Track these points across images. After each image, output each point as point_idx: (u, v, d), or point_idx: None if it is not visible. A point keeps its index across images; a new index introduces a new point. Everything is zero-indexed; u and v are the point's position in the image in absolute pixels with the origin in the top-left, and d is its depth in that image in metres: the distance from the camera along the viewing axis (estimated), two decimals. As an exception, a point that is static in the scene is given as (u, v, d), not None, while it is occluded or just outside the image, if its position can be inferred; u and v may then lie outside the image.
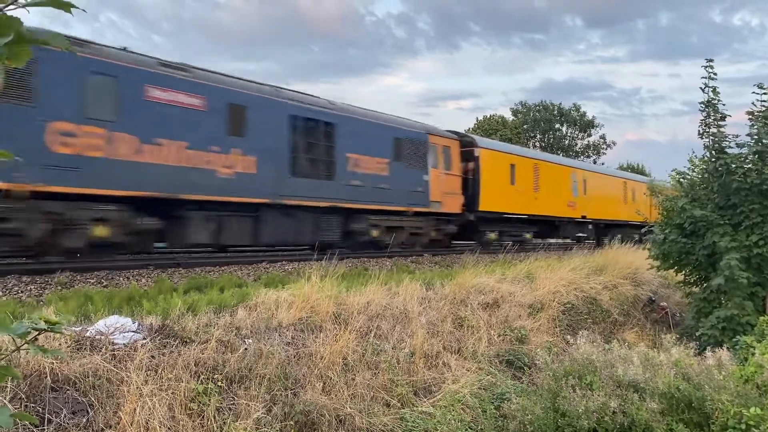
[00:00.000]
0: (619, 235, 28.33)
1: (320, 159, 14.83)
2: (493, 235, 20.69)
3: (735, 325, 10.36)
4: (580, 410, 6.30)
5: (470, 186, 20.06)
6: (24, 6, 1.09)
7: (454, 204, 19.03)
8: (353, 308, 7.53)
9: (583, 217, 26.48)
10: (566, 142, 62.98)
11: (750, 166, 11.24)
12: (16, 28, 1.08)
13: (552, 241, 27.18)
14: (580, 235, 26.96)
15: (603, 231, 28.56)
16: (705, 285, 11.64)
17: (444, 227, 18.87)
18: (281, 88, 14.66)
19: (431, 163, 18.21)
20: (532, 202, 22.83)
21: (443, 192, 18.50)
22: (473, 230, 20.61)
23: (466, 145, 20.44)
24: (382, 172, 16.44)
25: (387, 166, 16.65)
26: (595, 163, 57.98)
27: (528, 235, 23.03)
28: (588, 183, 27.40)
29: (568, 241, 26.91)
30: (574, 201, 25.89)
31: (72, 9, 1.15)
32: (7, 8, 1.08)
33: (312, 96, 15.57)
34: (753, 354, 7.70)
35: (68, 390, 4.51)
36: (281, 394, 5.59)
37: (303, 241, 14.69)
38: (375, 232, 16.10)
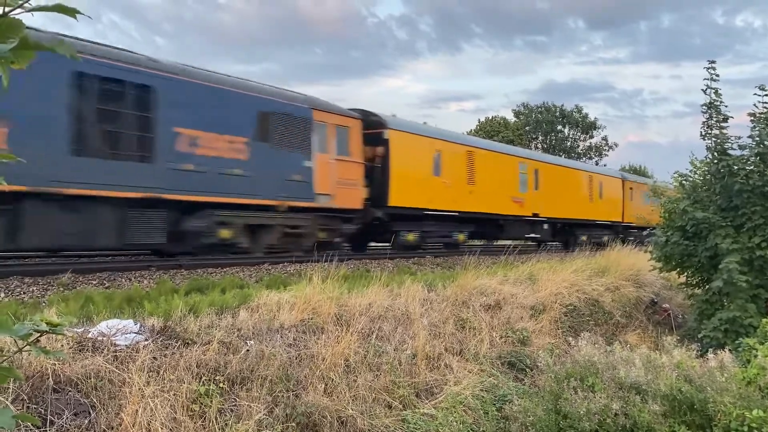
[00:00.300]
0: (583, 237, 25.75)
1: (129, 134, 11.02)
2: (411, 236, 17.30)
3: (737, 327, 10.34)
4: (582, 412, 6.30)
5: (378, 176, 16.41)
6: (29, 11, 1.10)
7: (352, 198, 15.33)
8: (355, 310, 7.53)
9: (535, 215, 22.91)
10: (568, 143, 62.98)
11: (752, 168, 11.23)
12: (20, 33, 1.09)
13: (496, 243, 24.15)
14: (532, 236, 23.43)
15: (564, 231, 25.72)
16: (707, 287, 11.63)
17: (338, 226, 15.14)
18: (63, 35, 9.92)
19: (318, 146, 14.41)
20: (465, 197, 19.31)
21: (336, 182, 14.84)
22: (383, 230, 17.17)
23: (373, 126, 16.58)
24: (236, 155, 12.61)
25: (245, 147, 12.76)
26: (597, 164, 57.90)
27: (460, 236, 19.52)
28: (542, 176, 23.77)
29: (530, 243, 23.94)
30: (521, 196, 22.32)
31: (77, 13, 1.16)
32: (12, 12, 1.08)
33: (120, 50, 11.63)
34: (755, 356, 7.68)
35: (70, 391, 4.52)
36: (283, 396, 5.59)
37: (100, 245, 11.22)
38: (225, 232, 12.49)
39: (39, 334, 1.37)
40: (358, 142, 15.80)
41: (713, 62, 11.84)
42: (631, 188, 31.61)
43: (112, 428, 4.47)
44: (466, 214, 19.28)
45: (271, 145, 13.26)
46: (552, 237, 24.85)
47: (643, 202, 31.68)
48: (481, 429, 6.72)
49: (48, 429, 4.21)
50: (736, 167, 11.22)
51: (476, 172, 20.00)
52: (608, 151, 64.55)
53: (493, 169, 20.90)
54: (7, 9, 1.07)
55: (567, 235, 25.60)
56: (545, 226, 23.86)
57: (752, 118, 11.69)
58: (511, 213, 21.65)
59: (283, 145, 13.61)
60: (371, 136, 16.34)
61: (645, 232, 14.33)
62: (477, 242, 22.81)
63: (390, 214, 16.65)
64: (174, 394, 4.85)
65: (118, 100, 10.86)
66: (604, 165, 58.20)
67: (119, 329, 5.39)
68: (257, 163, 12.86)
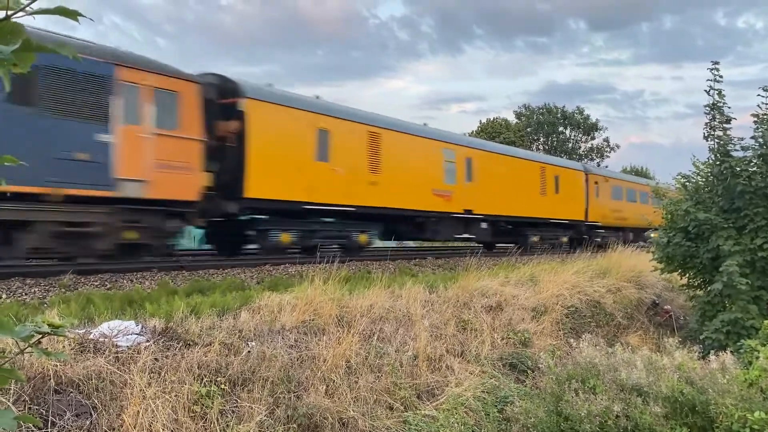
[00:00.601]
0: (535, 238, 22.77)
1: None
2: (286, 237, 13.90)
3: (739, 329, 10.33)
4: (583, 414, 6.29)
5: (230, 159, 12.81)
6: (31, 14, 1.11)
7: (181, 186, 11.55)
8: (356, 311, 7.54)
9: (468, 212, 19.37)
10: (570, 145, 62.96)
11: (755, 169, 11.21)
12: (22, 36, 1.09)
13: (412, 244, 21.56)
14: (466, 236, 19.96)
15: (510, 231, 22.53)
16: (709, 288, 11.61)
17: (159, 224, 11.43)
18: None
19: (124, 114, 10.79)
20: (366, 189, 15.72)
21: (155, 165, 11.19)
22: (242, 228, 13.77)
23: (227, 95, 13.09)
24: None
25: None
26: (598, 165, 57.79)
27: (362, 237, 15.96)
28: (477, 165, 20.03)
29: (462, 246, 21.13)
30: (448, 189, 18.60)
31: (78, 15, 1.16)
32: (14, 16, 1.09)
33: None
34: (757, 358, 7.67)
35: (72, 392, 4.52)
36: (284, 397, 5.59)
37: None
38: None
39: (41, 336, 1.38)
40: (194, 113, 11.91)
41: (717, 63, 11.83)
42: (596, 182, 27.88)
43: (114, 429, 4.47)
44: (368, 209, 15.71)
45: (38, 110, 9.68)
46: (493, 238, 21.81)
47: (613, 197, 29.12)
48: (483, 430, 6.72)
49: (49, 430, 4.22)
50: (738, 169, 11.21)
51: (383, 159, 16.32)
52: (610, 152, 64.55)
53: (406, 155, 17.16)
54: (9, 12, 1.08)
55: (514, 235, 22.54)
56: (483, 225, 20.31)
57: (756, 119, 11.66)
58: (433, 209, 18.02)
59: (61, 112, 10.00)
60: (225, 108, 12.93)
61: (646, 233, 14.04)
62: (391, 244, 20.07)
63: (250, 209, 13.29)
64: (175, 396, 4.85)
65: None
66: (606, 166, 58.09)
67: (121, 330, 5.39)
68: (12, 134, 9.36)
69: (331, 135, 14.97)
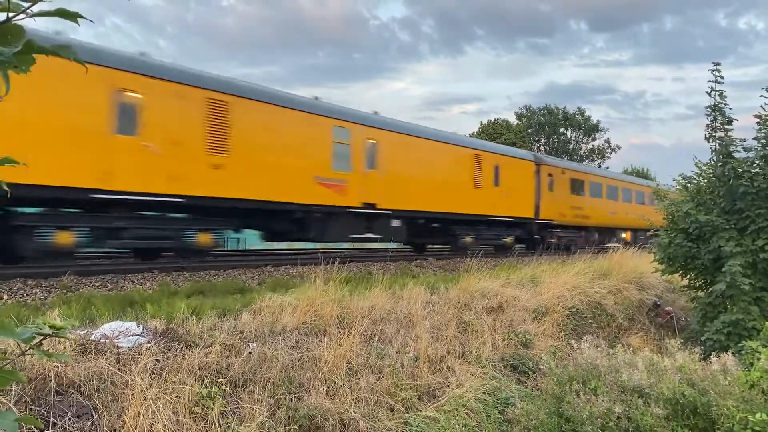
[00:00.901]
0: (467, 238, 19.47)
1: None
2: (64, 237, 10.44)
3: (740, 330, 10.32)
4: (585, 415, 6.28)
5: None
6: (32, 16, 1.11)
7: None
8: (357, 312, 7.54)
9: (369, 206, 15.95)
10: (571, 146, 62.94)
11: (757, 170, 11.19)
12: (23, 38, 1.10)
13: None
14: (369, 236, 16.30)
15: (433, 230, 19.08)
16: (710, 290, 11.60)
17: None
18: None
19: None
20: (205, 174, 12.32)
21: None
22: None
23: None
24: None
25: None
26: (599, 167, 57.65)
27: (202, 237, 12.49)
28: (383, 149, 16.44)
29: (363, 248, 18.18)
30: (340, 177, 15.16)
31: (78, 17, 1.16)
32: (15, 18, 1.09)
33: None
34: (759, 359, 7.65)
35: (73, 393, 4.53)
36: (285, 398, 5.59)
37: None
38: None
39: (42, 338, 1.38)
40: None
41: (718, 64, 11.80)
42: (550, 174, 24.31)
43: (115, 430, 4.47)
44: (207, 201, 12.38)
45: None
46: (411, 238, 18.75)
47: (573, 192, 25.77)
48: (484, 432, 6.71)
49: (50, 431, 4.22)
50: (740, 170, 11.20)
51: (233, 136, 12.84)
52: (611, 153, 64.54)
53: (273, 133, 13.59)
54: (10, 15, 1.08)
55: (443, 235, 19.37)
56: (395, 223, 16.85)
57: (758, 120, 11.64)
58: (317, 202, 14.57)
59: None
60: None
61: (648, 233, 13.84)
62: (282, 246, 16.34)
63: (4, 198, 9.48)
64: (176, 397, 4.85)
65: None
66: (607, 168, 57.90)
67: (122, 331, 5.40)
68: None
69: (145, 101, 11.47)
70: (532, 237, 23.05)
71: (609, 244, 25.82)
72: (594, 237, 26.85)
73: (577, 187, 26.42)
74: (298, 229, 14.86)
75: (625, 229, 31.11)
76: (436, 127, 22.30)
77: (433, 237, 19.56)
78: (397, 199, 16.80)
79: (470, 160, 20.01)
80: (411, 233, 18.17)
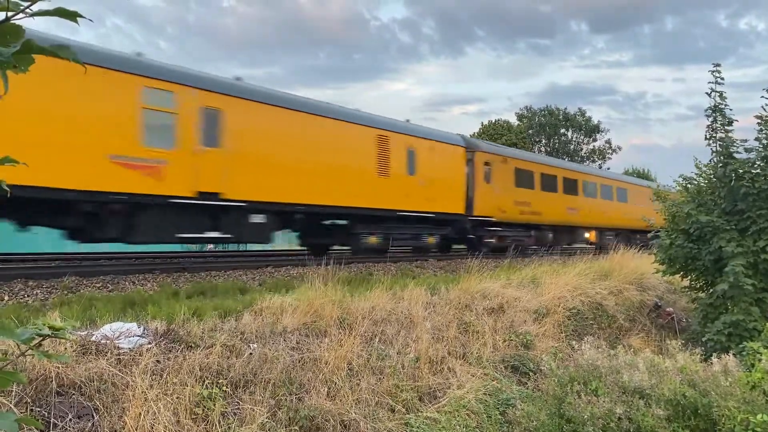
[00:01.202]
0: (372, 238, 16.11)
1: None
2: None
3: (741, 331, 10.30)
4: (586, 416, 6.28)
5: None
6: (31, 15, 1.11)
7: None
8: (358, 313, 7.53)
9: (208, 195, 12.19)
10: (571, 146, 62.92)
11: (758, 171, 11.18)
12: (22, 38, 1.09)
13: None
14: (213, 236, 12.58)
15: (324, 229, 15.89)
16: (711, 290, 11.58)
17: None
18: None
19: None
20: None
21: None
22: None
23: None
24: None
25: None
26: (600, 168, 57.59)
27: None
28: (233, 122, 12.72)
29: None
30: (153, 156, 11.38)
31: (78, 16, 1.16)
32: (14, 18, 1.09)
33: None
34: (760, 360, 7.64)
35: (74, 394, 4.52)
36: (286, 399, 5.59)
37: None
38: None
39: (41, 339, 1.38)
40: None
41: (718, 65, 11.79)
42: (487, 163, 20.66)
43: (115, 431, 4.47)
44: None
45: None
46: (273, 233, 14.45)
47: (518, 185, 22.07)
48: (485, 433, 6.70)
49: (51, 432, 4.21)
50: (741, 171, 11.18)
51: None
52: (612, 154, 64.52)
53: (26, 92, 9.31)
54: (9, 14, 1.08)
55: (338, 234, 16.21)
56: (256, 219, 13.27)
57: (759, 120, 11.63)
58: (116, 189, 10.80)
59: None
60: None
61: (649, 235, 13.77)
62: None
63: None
64: (177, 398, 4.85)
65: None
66: (608, 168, 57.86)
67: (123, 332, 5.39)
68: None
69: None
70: (465, 236, 19.79)
71: (576, 245, 22.93)
72: (548, 236, 23.42)
73: (524, 178, 22.62)
74: (97, 226, 10.97)
75: (588, 228, 27.44)
76: (416, 123, 19.39)
77: (331, 237, 16.43)
78: (258, 189, 13.15)
79: (373, 142, 16.37)
80: (309, 233, 15.70)
